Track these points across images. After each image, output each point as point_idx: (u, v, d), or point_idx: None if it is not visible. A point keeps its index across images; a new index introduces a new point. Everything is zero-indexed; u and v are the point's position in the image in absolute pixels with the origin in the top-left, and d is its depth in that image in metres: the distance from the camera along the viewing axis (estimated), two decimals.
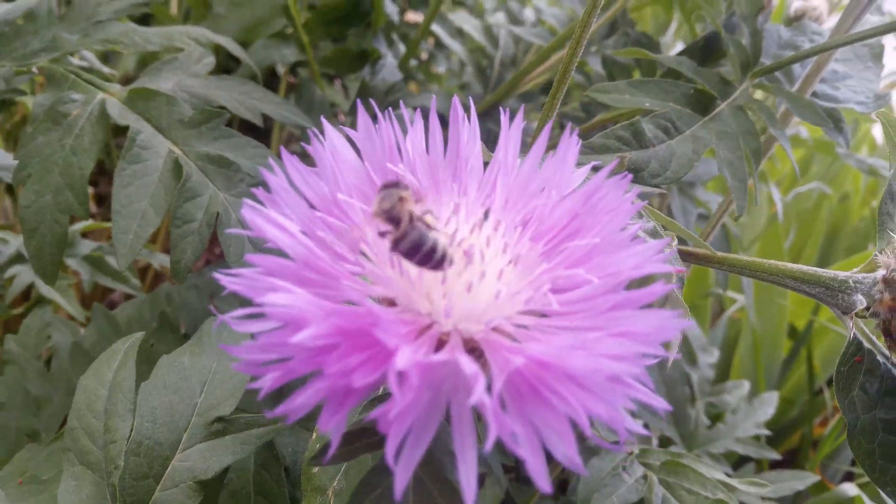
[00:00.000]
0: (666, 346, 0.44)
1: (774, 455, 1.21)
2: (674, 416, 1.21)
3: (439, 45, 1.52)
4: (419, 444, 0.33)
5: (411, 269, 0.37)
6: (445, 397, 0.34)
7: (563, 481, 1.13)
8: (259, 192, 0.39)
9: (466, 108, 0.44)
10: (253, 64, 0.96)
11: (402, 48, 1.30)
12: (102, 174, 1.66)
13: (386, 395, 0.43)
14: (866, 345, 0.50)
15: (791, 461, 1.53)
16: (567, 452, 0.32)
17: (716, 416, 1.29)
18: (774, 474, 1.22)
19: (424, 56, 1.63)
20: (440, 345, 0.37)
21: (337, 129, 0.42)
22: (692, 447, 1.19)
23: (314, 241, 0.38)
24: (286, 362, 0.34)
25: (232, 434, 0.59)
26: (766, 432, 1.21)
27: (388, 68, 1.09)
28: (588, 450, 0.84)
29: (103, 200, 1.66)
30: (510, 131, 0.43)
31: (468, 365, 0.31)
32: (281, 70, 1.44)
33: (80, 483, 0.57)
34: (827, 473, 1.39)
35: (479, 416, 0.36)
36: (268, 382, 0.35)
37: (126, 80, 1.57)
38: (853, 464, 1.41)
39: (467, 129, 0.43)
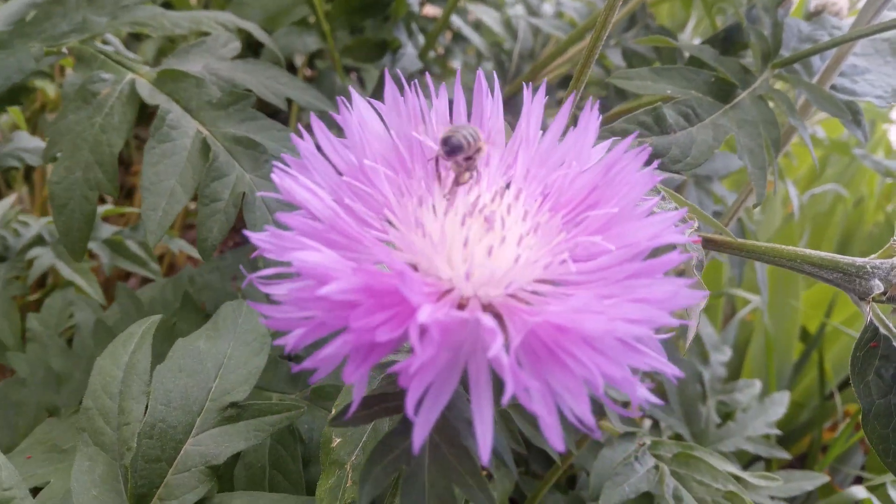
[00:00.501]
0: (685, 315, 0.45)
1: (784, 454, 1.21)
2: (685, 413, 1.22)
3: (456, 39, 1.53)
4: (438, 401, 0.34)
5: (434, 231, 0.38)
6: (464, 358, 0.35)
7: (572, 477, 1.13)
8: (288, 157, 0.40)
9: (491, 82, 0.45)
10: (277, 50, 0.98)
11: (421, 39, 1.31)
12: (120, 163, 1.69)
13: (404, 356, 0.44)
14: (882, 330, 0.51)
15: (800, 465, 1.52)
16: (581, 413, 0.33)
17: (727, 415, 1.29)
18: (784, 474, 1.22)
19: (441, 50, 1.64)
20: (460, 309, 0.38)
21: (364, 98, 0.43)
22: (702, 444, 1.19)
23: (341, 207, 0.39)
24: (312, 319, 0.35)
25: (245, 420, 0.58)
26: (777, 432, 1.21)
27: (409, 58, 1.11)
28: (598, 444, 0.85)
29: (121, 188, 1.68)
30: (532, 105, 0.44)
31: (487, 321, 0.32)
32: (299, 62, 1.46)
33: (93, 463, 0.57)
34: (836, 478, 1.39)
35: (495, 383, 0.37)
36: (293, 339, 0.36)
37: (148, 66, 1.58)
38: (863, 468, 1.40)
39: (490, 103, 0.44)
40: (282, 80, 0.84)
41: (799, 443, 1.53)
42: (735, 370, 1.63)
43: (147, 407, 0.58)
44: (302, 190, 0.38)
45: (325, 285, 0.33)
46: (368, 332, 0.33)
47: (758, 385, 1.32)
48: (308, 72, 1.64)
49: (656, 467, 0.84)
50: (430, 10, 1.63)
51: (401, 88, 0.43)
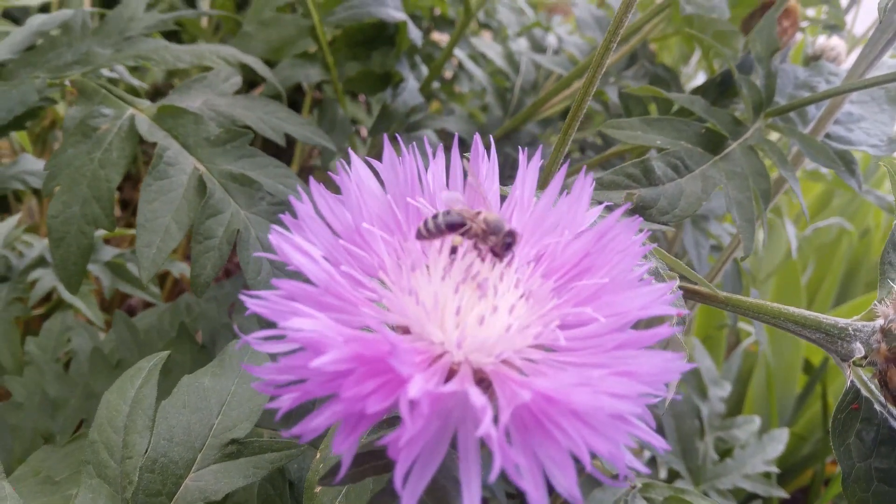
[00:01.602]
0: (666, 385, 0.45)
1: (782, 493, 1.20)
2: (682, 450, 1.22)
3: (462, 66, 1.55)
4: (426, 471, 0.35)
5: (427, 298, 0.39)
6: (454, 426, 0.36)
7: None
8: (286, 217, 0.41)
9: (487, 146, 0.46)
10: (278, 84, 0.99)
11: (424, 70, 1.32)
12: (127, 179, 1.69)
13: (395, 419, 0.44)
14: (864, 392, 0.51)
15: (803, 499, 1.52)
16: (568, 486, 0.33)
17: (725, 452, 1.29)
18: None
19: (449, 74, 1.65)
20: (451, 374, 0.38)
21: (362, 160, 0.44)
22: (699, 482, 1.19)
23: (336, 268, 0.40)
24: (304, 384, 0.36)
25: (245, 457, 0.59)
26: (775, 470, 1.21)
27: (410, 91, 1.12)
28: (591, 482, 0.85)
29: (127, 205, 1.69)
30: (527, 171, 0.45)
31: (477, 397, 0.32)
32: (306, 85, 1.47)
33: (95, 496, 0.57)
34: None
35: (484, 444, 0.38)
36: (285, 403, 0.36)
37: (155, 90, 1.60)
38: None
39: (486, 165, 0.45)
40: (280, 115, 0.85)
41: (801, 476, 1.53)
42: (738, 402, 1.63)
43: (150, 441, 0.59)
44: (298, 254, 0.38)
45: (317, 354, 0.33)
46: (359, 402, 0.33)
47: (757, 421, 1.31)
48: (317, 94, 1.65)
49: None
50: (439, 37, 1.65)
51: (398, 150, 0.44)
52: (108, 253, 1.17)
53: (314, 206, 0.41)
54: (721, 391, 1.34)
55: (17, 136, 1.26)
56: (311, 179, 0.41)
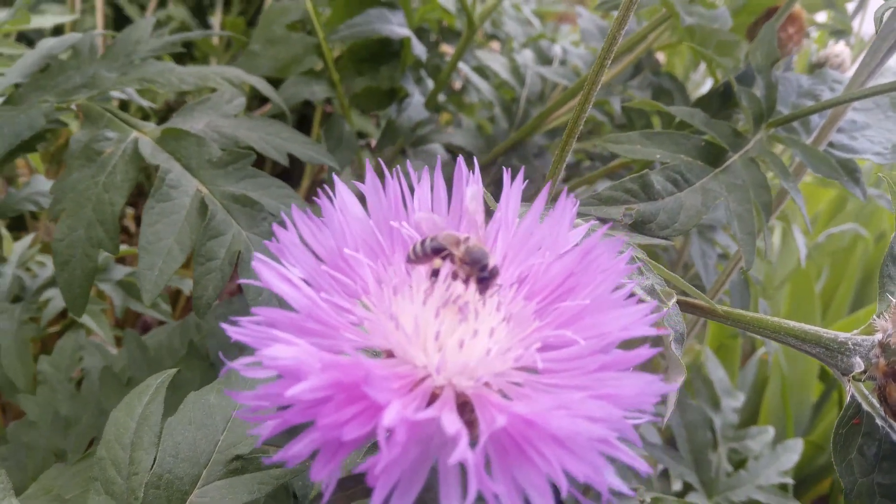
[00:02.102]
0: (662, 404, 0.45)
1: None
2: (694, 461, 1.20)
3: (469, 78, 1.55)
4: (407, 497, 0.35)
5: (407, 322, 0.39)
6: (434, 452, 0.36)
7: None
8: (271, 244, 0.41)
9: (471, 165, 0.46)
10: (282, 103, 1.00)
11: (430, 84, 1.33)
12: (140, 195, 1.71)
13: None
14: (865, 407, 0.50)
15: None
16: None
17: (739, 463, 1.27)
18: None
19: (458, 85, 1.66)
20: (433, 398, 0.38)
21: (347, 184, 0.44)
22: (713, 494, 1.17)
23: (318, 293, 0.40)
24: (283, 412, 0.36)
25: (250, 473, 0.60)
26: (790, 481, 1.19)
27: (415, 107, 1.12)
28: (598, 497, 0.84)
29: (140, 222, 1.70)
30: (511, 191, 0.45)
31: (451, 424, 0.32)
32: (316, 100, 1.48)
33: None
34: None
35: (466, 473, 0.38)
36: (266, 430, 0.37)
37: (167, 108, 1.62)
38: None
39: (471, 188, 0.45)
40: (284, 136, 0.86)
41: (818, 486, 1.50)
42: (753, 411, 1.60)
43: (156, 458, 0.59)
44: (279, 281, 0.39)
45: (295, 381, 0.34)
46: (335, 430, 0.34)
47: (771, 432, 1.30)
48: (328, 107, 1.67)
49: None
50: (447, 48, 1.65)
51: (381, 176, 0.44)
52: (121, 272, 1.19)
53: (298, 233, 0.42)
54: (734, 402, 1.32)
55: (30, 157, 1.28)
56: (294, 207, 0.41)
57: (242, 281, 0.46)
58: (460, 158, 0.45)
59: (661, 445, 1.15)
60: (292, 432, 0.74)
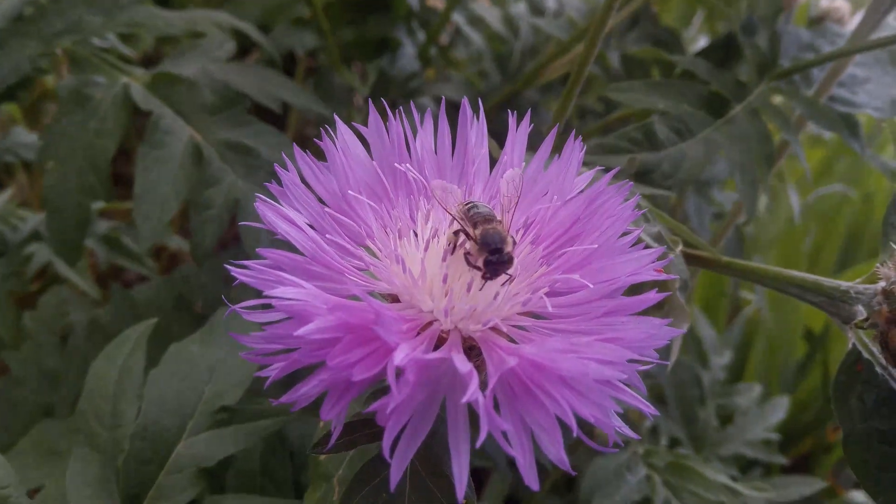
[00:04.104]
0: (667, 349, 0.45)
1: (782, 460, 1.21)
2: (683, 417, 1.22)
3: (460, 31, 1.52)
4: (415, 439, 0.35)
5: (414, 266, 0.38)
6: (442, 393, 0.36)
7: (571, 479, 1.14)
8: (272, 186, 0.40)
9: (476, 108, 0.45)
10: (274, 51, 0.98)
11: (421, 36, 1.30)
12: (120, 153, 1.67)
13: (387, 387, 0.44)
14: (865, 355, 0.51)
15: (804, 465, 1.53)
16: (555, 451, 0.33)
17: (726, 419, 1.29)
18: (783, 479, 1.23)
19: (445, 40, 1.62)
20: (440, 342, 0.38)
21: (349, 126, 0.43)
22: (701, 449, 1.19)
23: (322, 236, 0.39)
24: (291, 353, 0.36)
25: (236, 424, 0.59)
26: (776, 437, 1.21)
27: (407, 58, 1.10)
28: (592, 450, 0.85)
29: (119, 179, 1.68)
30: (517, 134, 0.44)
31: (462, 364, 0.32)
32: (301, 52, 1.45)
33: (86, 465, 0.58)
34: (839, 478, 1.39)
35: (474, 412, 0.38)
36: (274, 372, 0.36)
37: (145, 59, 1.58)
38: None
39: (475, 131, 0.44)
40: (276, 83, 0.84)
41: (802, 443, 1.53)
42: (739, 369, 1.63)
43: (140, 410, 0.59)
44: (284, 223, 0.38)
45: (303, 323, 0.33)
46: (345, 370, 0.33)
47: (757, 389, 1.32)
48: (310, 61, 1.63)
49: (648, 477, 0.84)
50: (435, 2, 1.62)
51: (384, 115, 0.43)
52: (104, 226, 1.16)
53: (300, 174, 0.41)
54: (722, 359, 1.34)
55: (8, 108, 1.25)
56: (296, 147, 0.40)
57: (243, 224, 0.45)
58: (465, 101, 0.43)
59: (650, 400, 1.16)
60: (287, 383, 0.74)
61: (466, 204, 0.40)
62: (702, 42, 1.61)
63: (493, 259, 0.38)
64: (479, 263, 0.38)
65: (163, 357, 0.61)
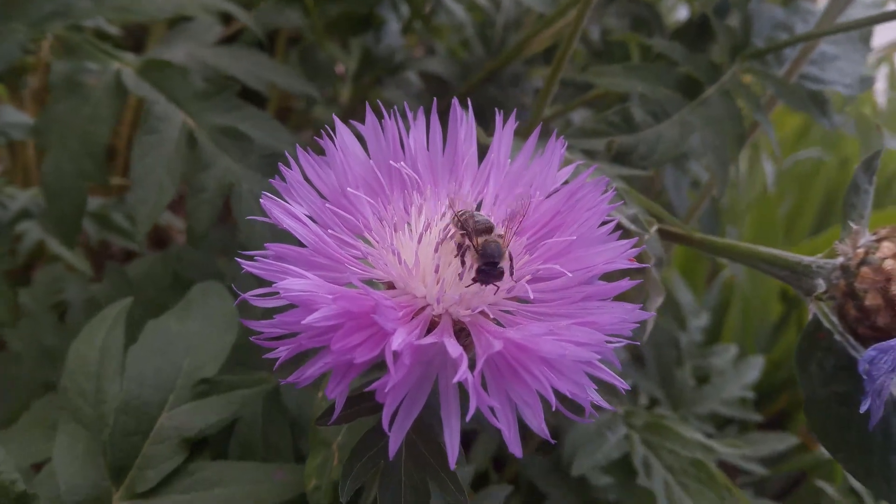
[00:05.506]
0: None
1: (756, 418, 1.26)
2: (661, 378, 1.27)
3: (441, 2, 1.52)
4: (411, 412, 0.39)
5: (409, 257, 0.42)
6: (435, 372, 0.40)
7: (556, 439, 1.19)
8: (276, 182, 0.44)
9: (466, 106, 0.48)
10: (259, 31, 0.99)
11: (404, 10, 1.31)
12: None
13: (384, 365, 0.48)
14: (825, 324, 0.55)
15: (779, 422, 1.59)
16: (537, 423, 0.38)
17: (703, 379, 1.34)
18: (757, 436, 1.28)
19: (427, 9, 1.62)
20: (433, 325, 0.42)
21: (347, 126, 0.46)
22: (678, 408, 1.24)
23: (323, 229, 0.43)
24: (297, 338, 0.39)
25: (217, 395, 0.62)
26: (751, 395, 1.26)
27: (393, 34, 1.12)
28: (576, 410, 0.90)
29: (109, 151, 1.68)
30: (503, 132, 0.47)
31: (453, 348, 0.36)
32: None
33: (73, 440, 0.60)
34: (812, 434, 1.45)
35: (463, 387, 0.41)
36: (282, 354, 0.40)
37: (127, 33, 1.57)
38: None
39: (464, 129, 0.47)
40: (265, 66, 0.86)
41: (777, 401, 1.60)
42: (716, 331, 1.68)
43: (122, 386, 0.61)
44: (288, 218, 0.41)
45: (308, 311, 0.37)
46: (347, 353, 0.37)
47: (733, 349, 1.37)
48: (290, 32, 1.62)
49: (627, 436, 0.89)
50: None
51: (379, 117, 0.46)
52: (94, 203, 1.18)
53: (302, 172, 0.44)
54: (699, 321, 1.39)
55: None
56: (298, 147, 0.43)
57: (250, 217, 0.48)
58: (455, 100, 0.47)
59: (630, 362, 1.21)
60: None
61: (472, 215, 0.44)
62: (681, 12, 1.63)
63: (487, 270, 0.41)
64: (474, 268, 0.41)
65: (141, 333, 0.64)
